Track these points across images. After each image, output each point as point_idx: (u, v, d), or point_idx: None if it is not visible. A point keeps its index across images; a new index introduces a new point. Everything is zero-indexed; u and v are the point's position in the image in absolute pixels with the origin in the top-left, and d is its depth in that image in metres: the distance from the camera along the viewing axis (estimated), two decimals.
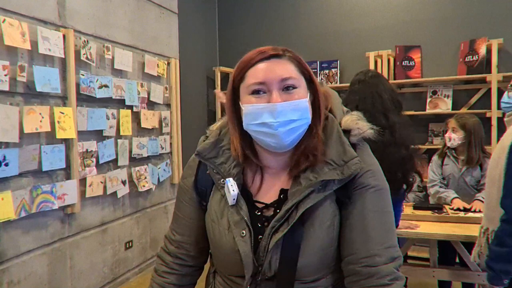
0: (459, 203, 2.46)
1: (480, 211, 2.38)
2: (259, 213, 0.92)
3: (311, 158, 0.89)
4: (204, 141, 0.99)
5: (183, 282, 1.06)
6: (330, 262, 0.91)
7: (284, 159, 0.94)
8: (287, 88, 0.87)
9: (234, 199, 0.90)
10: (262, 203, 0.93)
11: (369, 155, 0.96)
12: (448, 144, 2.62)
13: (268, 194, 0.94)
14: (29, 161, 2.22)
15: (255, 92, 0.87)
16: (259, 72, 0.86)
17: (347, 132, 0.94)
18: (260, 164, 0.95)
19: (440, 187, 2.65)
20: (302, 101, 0.87)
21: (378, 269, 0.85)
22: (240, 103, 0.90)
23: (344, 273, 0.91)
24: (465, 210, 2.42)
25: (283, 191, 0.92)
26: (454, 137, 2.56)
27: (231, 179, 0.91)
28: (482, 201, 2.44)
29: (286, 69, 0.87)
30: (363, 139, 0.96)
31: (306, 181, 0.88)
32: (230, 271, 0.95)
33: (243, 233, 0.88)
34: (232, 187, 0.90)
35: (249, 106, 0.87)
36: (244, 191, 0.94)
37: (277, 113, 0.85)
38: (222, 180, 0.93)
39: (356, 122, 0.95)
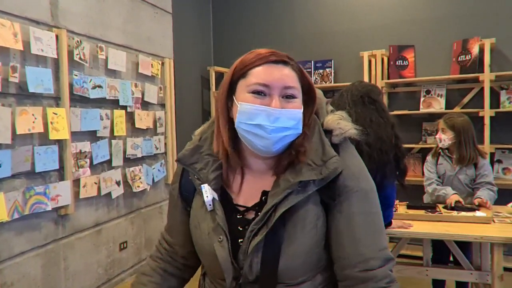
0: (456, 198, 2.48)
1: (475, 209, 2.40)
2: (241, 216, 0.92)
3: (293, 152, 0.88)
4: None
5: (175, 273, 1.09)
6: (315, 265, 0.90)
7: (268, 162, 0.94)
8: (287, 96, 0.87)
9: (210, 205, 0.90)
10: (244, 206, 0.93)
11: (352, 154, 0.95)
12: (440, 145, 2.65)
13: (250, 196, 0.94)
14: (21, 162, 2.20)
15: (256, 93, 0.86)
16: (263, 74, 0.86)
17: (329, 132, 0.94)
18: (242, 165, 0.95)
19: (437, 185, 2.67)
20: (298, 111, 0.88)
21: (375, 273, 0.86)
22: (235, 99, 0.90)
23: (338, 278, 0.91)
24: (457, 208, 2.43)
25: (265, 193, 0.92)
26: (444, 138, 2.59)
27: (206, 185, 0.91)
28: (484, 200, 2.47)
29: (290, 77, 0.88)
30: (347, 139, 0.95)
31: (284, 182, 0.87)
32: (214, 275, 0.96)
33: (220, 238, 0.88)
34: (206, 193, 0.90)
35: (247, 105, 0.86)
36: (225, 194, 0.94)
37: (275, 118, 0.85)
38: (200, 186, 0.93)
39: (338, 122, 0.94)
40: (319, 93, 1.03)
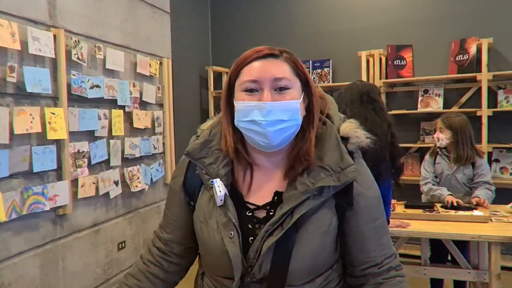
0: (452, 199, 2.49)
1: (473, 208, 2.40)
2: (250, 214, 0.92)
3: (304, 162, 0.89)
4: (194, 140, 1.00)
5: (165, 277, 1.06)
6: (321, 267, 0.91)
7: (276, 159, 0.94)
8: (280, 88, 0.87)
9: (221, 200, 0.90)
10: (254, 204, 0.93)
11: (363, 163, 0.98)
12: (438, 144, 2.66)
13: (260, 194, 0.94)
14: (19, 162, 2.20)
15: (248, 90, 0.88)
16: (253, 70, 0.87)
17: (344, 139, 0.95)
18: (251, 161, 0.95)
19: (433, 184, 2.67)
20: (293, 102, 0.88)
21: (391, 264, 0.95)
22: (233, 100, 0.91)
23: (358, 274, 0.95)
24: (455, 208, 2.44)
25: (277, 193, 0.92)
26: (442, 137, 2.60)
27: (218, 179, 0.91)
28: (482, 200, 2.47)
29: (280, 69, 0.88)
30: (358, 148, 0.97)
31: (302, 186, 0.87)
32: (218, 272, 0.95)
33: (231, 234, 0.88)
34: (219, 188, 0.89)
35: (241, 103, 0.88)
36: (234, 191, 0.94)
37: (267, 112, 0.85)
38: (210, 180, 0.93)
39: (355, 131, 0.96)
40: (331, 99, 1.04)
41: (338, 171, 0.88)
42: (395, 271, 0.94)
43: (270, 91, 0.86)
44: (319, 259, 0.89)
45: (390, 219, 2.16)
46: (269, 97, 0.86)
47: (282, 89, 0.87)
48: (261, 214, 0.91)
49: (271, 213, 0.89)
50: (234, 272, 0.87)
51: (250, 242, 0.88)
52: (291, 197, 0.87)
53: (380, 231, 0.95)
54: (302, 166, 0.89)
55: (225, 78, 4.45)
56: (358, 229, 0.92)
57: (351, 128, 0.96)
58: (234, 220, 0.88)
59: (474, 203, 2.47)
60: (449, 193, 2.56)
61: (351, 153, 0.93)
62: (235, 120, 0.90)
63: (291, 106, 0.87)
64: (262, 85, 0.87)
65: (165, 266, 1.06)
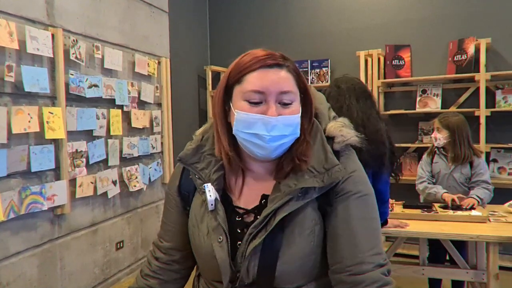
0: (450, 196, 2.49)
1: (470, 209, 2.40)
2: (240, 219, 0.92)
3: (297, 161, 0.88)
4: (189, 146, 1.00)
5: None
6: (312, 270, 0.90)
7: (269, 165, 0.94)
8: (284, 102, 0.86)
9: (212, 204, 0.90)
10: (243, 208, 0.93)
11: (352, 161, 0.94)
12: (435, 144, 2.66)
13: (250, 199, 0.93)
14: (17, 162, 2.19)
15: (252, 100, 0.85)
16: (258, 80, 0.84)
17: (331, 139, 0.93)
18: (243, 166, 0.95)
19: (428, 183, 2.68)
20: (295, 117, 0.87)
21: (365, 276, 0.84)
22: (231, 105, 0.89)
23: (332, 282, 0.89)
24: (454, 208, 2.44)
25: (264, 197, 0.91)
26: (440, 137, 2.60)
27: (209, 184, 0.91)
28: (477, 200, 2.47)
29: (286, 82, 0.86)
30: (348, 146, 0.94)
31: (286, 187, 0.87)
32: (210, 277, 0.95)
33: (220, 238, 0.87)
34: (209, 192, 0.89)
35: (243, 114, 0.85)
36: (226, 196, 0.94)
37: (272, 126, 0.84)
38: (203, 185, 0.92)
39: (340, 129, 0.94)
40: (321, 98, 1.02)
41: (322, 172, 0.86)
42: None
43: (275, 104, 0.85)
44: (308, 262, 0.88)
45: (388, 219, 2.16)
46: (274, 111, 0.84)
47: (286, 103, 0.86)
48: (250, 218, 0.91)
49: (258, 217, 0.88)
50: (222, 276, 0.87)
51: (238, 246, 0.88)
52: (275, 199, 0.86)
53: (362, 233, 0.87)
54: (291, 164, 0.88)
55: None
56: (334, 230, 0.88)
57: (336, 127, 0.94)
58: (223, 225, 0.88)
59: (465, 206, 2.43)
60: (445, 190, 2.57)
61: (337, 153, 0.92)
62: (234, 129, 0.88)
63: (294, 121, 0.86)
64: (267, 97, 0.84)
65: (164, 277, 1.05)
